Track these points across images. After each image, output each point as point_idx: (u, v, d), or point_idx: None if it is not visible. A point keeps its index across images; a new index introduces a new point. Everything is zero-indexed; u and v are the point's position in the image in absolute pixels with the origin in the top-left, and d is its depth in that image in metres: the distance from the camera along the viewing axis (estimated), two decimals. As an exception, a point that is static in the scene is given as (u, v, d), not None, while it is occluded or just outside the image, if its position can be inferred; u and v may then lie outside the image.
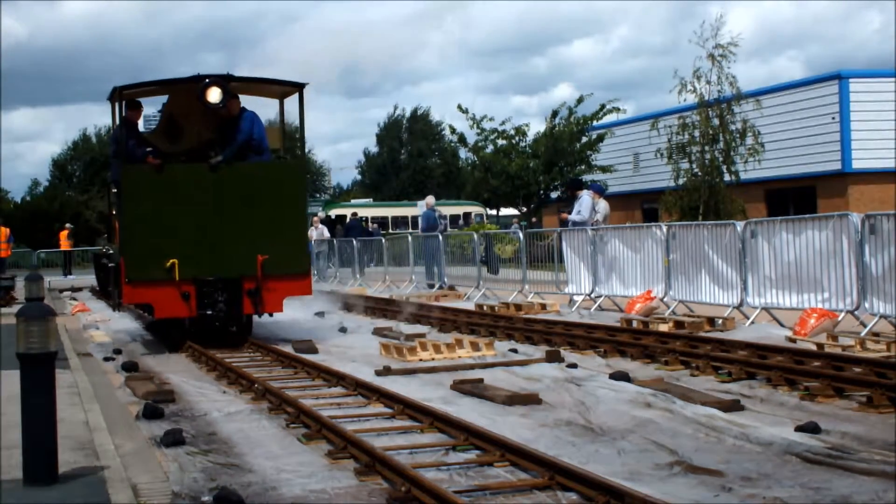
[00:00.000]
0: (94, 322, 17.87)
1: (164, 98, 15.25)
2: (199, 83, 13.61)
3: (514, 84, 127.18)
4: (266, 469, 6.58)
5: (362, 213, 46.48)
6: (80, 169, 76.17)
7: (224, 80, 13.68)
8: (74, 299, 25.49)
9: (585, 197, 19.08)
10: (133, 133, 14.02)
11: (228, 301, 13.47)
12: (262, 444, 7.40)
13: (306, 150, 15.01)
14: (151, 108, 15.04)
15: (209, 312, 13.42)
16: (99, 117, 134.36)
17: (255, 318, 14.30)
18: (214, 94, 13.54)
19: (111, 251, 15.68)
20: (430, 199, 28.29)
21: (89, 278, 32.01)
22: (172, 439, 7.30)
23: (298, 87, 14.27)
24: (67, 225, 42.49)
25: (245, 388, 9.90)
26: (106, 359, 12.60)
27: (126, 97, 13.87)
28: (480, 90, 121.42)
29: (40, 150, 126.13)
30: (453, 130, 42.94)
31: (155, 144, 14.35)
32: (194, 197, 13.45)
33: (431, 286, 23.32)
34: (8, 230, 33.01)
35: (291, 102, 14.99)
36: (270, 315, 14.16)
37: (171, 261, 13.14)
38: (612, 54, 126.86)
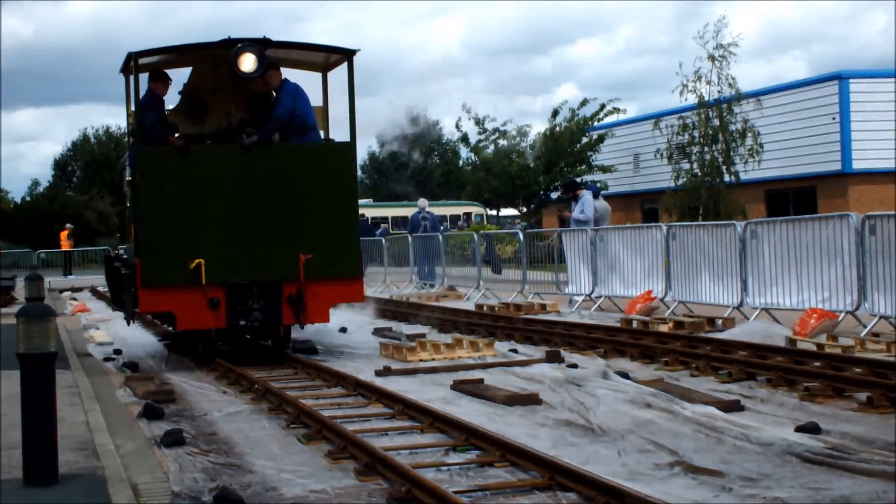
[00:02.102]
0: (94, 322, 17.88)
1: (177, 76, 13.19)
2: (230, 49, 11.55)
3: (517, 84, 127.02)
4: (266, 469, 6.58)
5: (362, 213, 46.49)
6: (79, 169, 76.16)
7: (261, 46, 11.58)
8: (74, 299, 25.49)
9: (587, 196, 19.07)
10: (156, 109, 11.89)
11: (265, 309, 11.31)
12: (262, 445, 7.40)
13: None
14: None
15: (242, 323, 11.34)
16: (100, 117, 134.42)
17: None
18: (248, 62, 11.49)
19: (124, 252, 13.91)
20: (422, 202, 28.61)
21: (89, 278, 32.06)
22: (172, 439, 7.30)
23: (347, 55, 11.99)
24: (68, 225, 42.55)
25: (245, 389, 9.89)
26: (106, 359, 12.59)
27: (143, 68, 11.72)
28: (483, 90, 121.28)
29: (42, 150, 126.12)
30: (458, 126, 42.78)
31: (176, 124, 12.48)
32: (224, 185, 11.43)
33: (432, 286, 23.34)
34: None
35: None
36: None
37: (197, 261, 11.16)
38: (617, 54, 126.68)
